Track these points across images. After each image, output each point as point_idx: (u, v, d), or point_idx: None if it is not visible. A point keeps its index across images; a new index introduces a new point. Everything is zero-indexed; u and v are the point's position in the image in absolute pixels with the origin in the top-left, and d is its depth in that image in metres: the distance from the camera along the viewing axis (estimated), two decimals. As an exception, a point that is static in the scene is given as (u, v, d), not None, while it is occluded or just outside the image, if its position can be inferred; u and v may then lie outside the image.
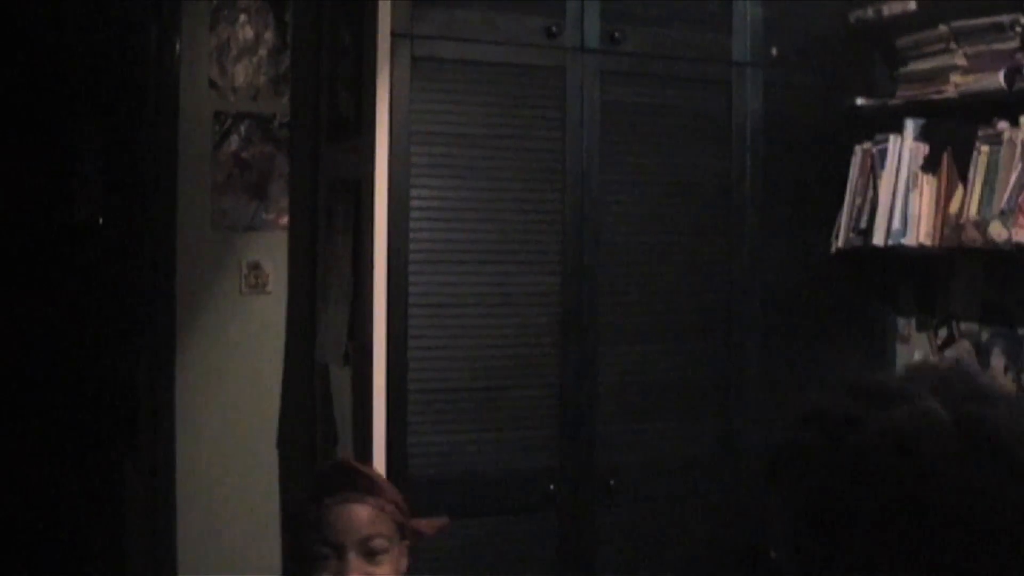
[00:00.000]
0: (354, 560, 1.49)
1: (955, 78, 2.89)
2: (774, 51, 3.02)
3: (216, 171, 3.13)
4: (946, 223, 2.83)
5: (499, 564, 2.71)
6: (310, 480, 1.62)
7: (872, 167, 3.02)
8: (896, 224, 2.92)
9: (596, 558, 2.85)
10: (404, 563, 1.60)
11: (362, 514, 1.52)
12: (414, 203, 2.66)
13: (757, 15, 2.99)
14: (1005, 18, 2.75)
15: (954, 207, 2.82)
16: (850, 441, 0.86)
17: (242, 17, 3.14)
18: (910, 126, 2.96)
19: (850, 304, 3.13)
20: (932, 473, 0.82)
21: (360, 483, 1.55)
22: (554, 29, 2.78)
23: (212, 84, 3.13)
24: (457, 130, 2.71)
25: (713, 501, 2.96)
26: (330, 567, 1.49)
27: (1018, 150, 2.65)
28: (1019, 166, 2.64)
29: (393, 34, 2.64)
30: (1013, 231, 2.61)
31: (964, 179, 2.80)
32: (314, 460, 3.15)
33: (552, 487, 2.77)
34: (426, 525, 1.69)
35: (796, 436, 0.92)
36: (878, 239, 2.94)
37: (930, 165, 2.91)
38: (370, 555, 1.50)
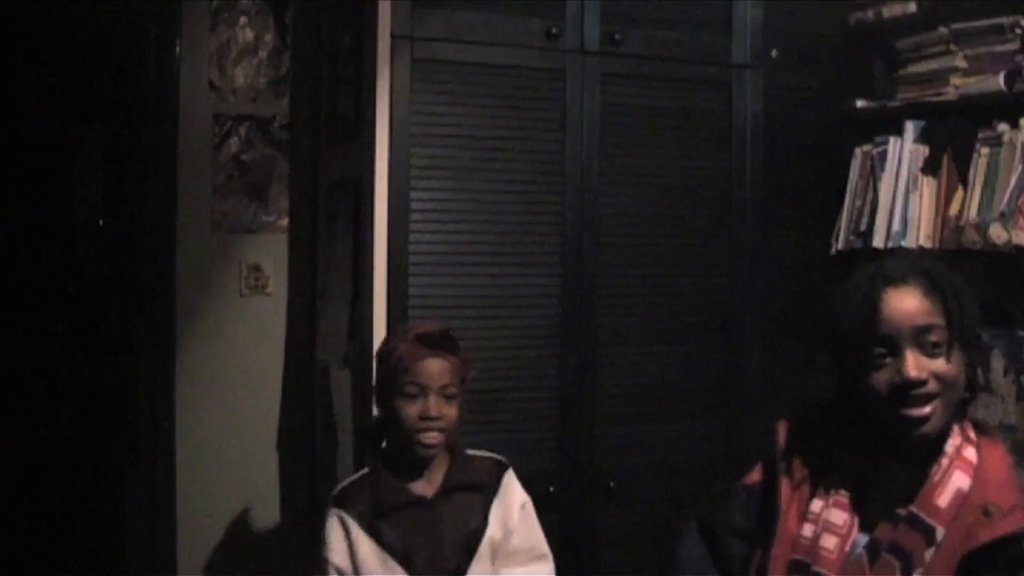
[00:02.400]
0: (434, 399, 2.04)
1: (955, 80, 2.89)
2: (774, 53, 3.02)
3: (216, 173, 3.13)
4: (946, 225, 2.83)
5: (499, 565, 2.70)
6: (404, 331, 2.13)
7: (872, 169, 3.02)
8: (896, 226, 2.92)
9: (596, 559, 2.85)
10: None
11: (444, 367, 2.07)
12: (414, 204, 2.66)
13: (757, 17, 2.99)
14: (1005, 20, 2.76)
15: (954, 209, 2.82)
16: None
17: (242, 19, 3.15)
18: (910, 128, 2.96)
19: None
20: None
21: (446, 344, 2.09)
22: (554, 31, 2.78)
23: (212, 86, 3.13)
24: (457, 132, 2.71)
25: (713, 502, 2.95)
26: (418, 403, 2.05)
27: (1018, 152, 2.65)
28: (1019, 168, 2.64)
29: (393, 36, 2.64)
30: (1013, 233, 2.61)
31: (964, 181, 2.80)
32: (314, 460, 3.15)
33: (552, 489, 2.77)
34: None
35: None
36: (878, 241, 2.94)
37: (930, 167, 2.91)
38: (448, 398, 2.06)
